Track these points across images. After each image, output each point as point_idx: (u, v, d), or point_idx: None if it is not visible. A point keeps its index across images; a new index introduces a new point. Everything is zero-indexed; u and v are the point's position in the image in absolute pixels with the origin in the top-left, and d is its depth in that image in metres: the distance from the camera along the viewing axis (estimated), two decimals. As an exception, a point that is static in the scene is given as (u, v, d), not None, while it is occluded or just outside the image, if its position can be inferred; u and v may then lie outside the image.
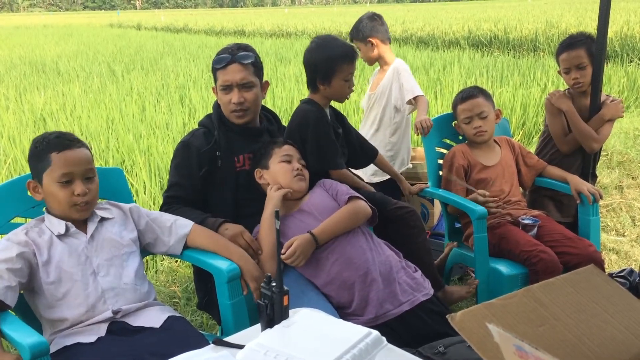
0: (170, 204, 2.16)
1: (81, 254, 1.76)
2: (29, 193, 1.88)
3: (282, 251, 1.94)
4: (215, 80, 2.24)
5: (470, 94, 2.68)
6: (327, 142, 2.32)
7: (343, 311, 1.99)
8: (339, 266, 1.99)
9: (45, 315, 1.71)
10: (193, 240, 1.97)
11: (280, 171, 2.14)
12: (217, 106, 2.30)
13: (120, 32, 26.06)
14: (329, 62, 2.31)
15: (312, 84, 2.39)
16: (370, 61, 3.20)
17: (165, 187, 2.27)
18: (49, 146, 1.76)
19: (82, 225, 1.83)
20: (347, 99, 2.45)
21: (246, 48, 2.24)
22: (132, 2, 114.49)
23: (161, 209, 2.17)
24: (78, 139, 1.85)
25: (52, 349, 1.64)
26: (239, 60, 2.17)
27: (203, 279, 2.16)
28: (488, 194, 2.54)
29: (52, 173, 1.75)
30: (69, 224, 1.79)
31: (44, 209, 1.87)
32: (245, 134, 2.27)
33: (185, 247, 1.98)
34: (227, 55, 2.17)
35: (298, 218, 2.10)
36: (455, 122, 2.79)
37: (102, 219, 1.87)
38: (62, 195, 1.75)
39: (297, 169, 2.16)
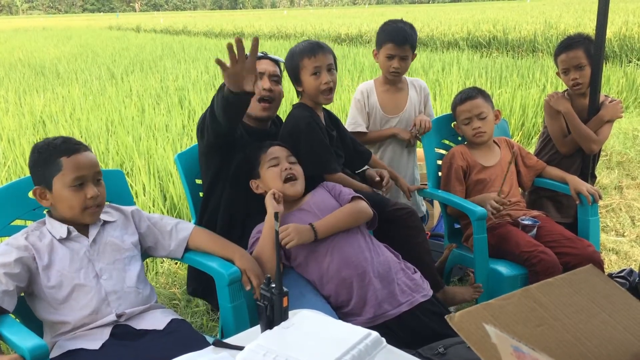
0: None
1: (83, 258, 1.76)
2: (30, 194, 1.88)
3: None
4: None
5: (469, 95, 2.69)
6: (321, 147, 2.31)
7: (341, 310, 2.00)
8: (337, 264, 1.99)
9: (47, 318, 1.70)
10: (194, 242, 1.98)
11: (270, 177, 2.13)
12: None
13: (120, 34, 26.09)
14: (293, 62, 2.34)
15: (296, 91, 2.42)
16: (401, 76, 2.90)
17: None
18: (56, 151, 1.76)
19: (83, 228, 1.82)
20: (329, 100, 2.36)
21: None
22: (131, 4, 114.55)
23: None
24: (82, 143, 1.86)
25: (55, 353, 1.64)
26: (271, 58, 2.32)
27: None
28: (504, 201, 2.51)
29: (63, 178, 1.74)
30: (71, 227, 1.78)
31: (45, 211, 1.87)
32: (255, 136, 2.27)
33: (186, 249, 1.99)
34: (260, 53, 2.29)
35: (298, 216, 2.10)
36: (455, 123, 2.79)
37: (104, 223, 1.87)
38: (76, 200, 1.75)
39: (286, 168, 2.13)
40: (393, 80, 2.91)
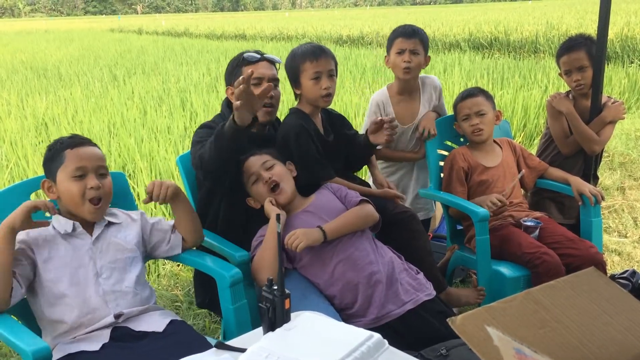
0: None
1: (85, 255, 1.77)
2: (34, 197, 1.89)
3: (285, 240, 1.95)
4: (238, 77, 2.23)
5: (471, 93, 2.70)
6: (310, 157, 2.28)
7: (345, 312, 2.00)
8: (343, 267, 1.99)
9: (46, 314, 1.71)
10: (177, 222, 2.01)
11: (257, 194, 2.14)
12: (227, 107, 2.30)
13: (122, 36, 26.13)
14: (294, 64, 2.32)
15: (294, 93, 2.40)
16: (415, 77, 2.82)
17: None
18: (62, 146, 1.81)
19: (88, 227, 1.84)
20: (327, 104, 2.35)
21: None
22: (133, 7, 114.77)
23: (193, 146, 2.14)
24: (90, 139, 1.91)
25: (56, 356, 1.64)
26: (268, 59, 2.28)
27: (205, 277, 2.16)
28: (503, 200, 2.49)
29: (65, 168, 1.78)
30: (77, 223, 1.81)
31: None
32: (254, 140, 2.26)
33: (184, 247, 2.01)
34: (256, 54, 2.27)
35: (303, 218, 2.10)
36: (456, 122, 2.78)
37: (109, 224, 1.89)
38: (76, 189, 1.77)
39: (266, 181, 2.10)
40: (408, 84, 2.82)
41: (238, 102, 1.83)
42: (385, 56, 2.85)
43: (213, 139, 1.96)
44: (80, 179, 1.78)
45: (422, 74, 2.91)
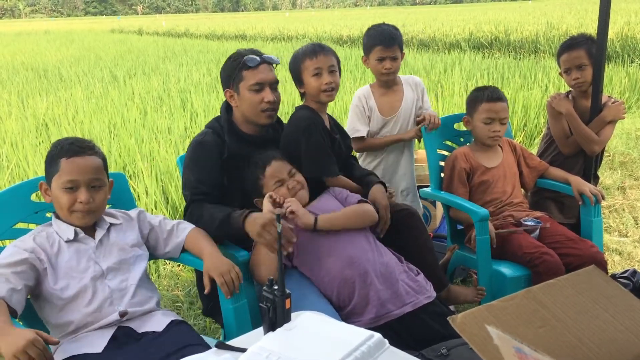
0: (196, 201, 2.11)
1: (89, 259, 1.78)
2: (35, 198, 1.89)
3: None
4: (238, 81, 2.19)
5: (499, 96, 2.62)
6: (320, 150, 2.28)
7: (343, 311, 2.00)
8: (340, 264, 2.00)
9: (53, 320, 1.72)
10: (188, 246, 2.00)
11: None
12: (225, 111, 2.29)
13: (122, 37, 26.13)
14: (295, 65, 2.34)
15: (299, 93, 2.41)
16: (394, 76, 2.89)
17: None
18: (61, 152, 1.80)
19: (90, 230, 1.85)
20: (330, 98, 2.35)
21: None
22: (133, 7, 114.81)
23: (186, 210, 2.14)
24: (92, 146, 1.86)
25: (59, 357, 1.65)
26: (267, 61, 2.23)
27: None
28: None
29: (59, 178, 1.77)
30: (78, 229, 1.81)
31: (52, 214, 1.88)
32: (253, 143, 2.25)
33: (183, 249, 2.01)
34: (256, 57, 2.20)
35: None
36: (466, 117, 2.72)
37: (110, 225, 1.89)
38: (65, 200, 1.77)
39: (293, 187, 2.12)
40: (388, 83, 2.90)
41: (265, 239, 1.91)
42: (363, 57, 2.90)
43: (217, 223, 2.01)
44: (72, 191, 1.78)
45: (406, 75, 3.02)
